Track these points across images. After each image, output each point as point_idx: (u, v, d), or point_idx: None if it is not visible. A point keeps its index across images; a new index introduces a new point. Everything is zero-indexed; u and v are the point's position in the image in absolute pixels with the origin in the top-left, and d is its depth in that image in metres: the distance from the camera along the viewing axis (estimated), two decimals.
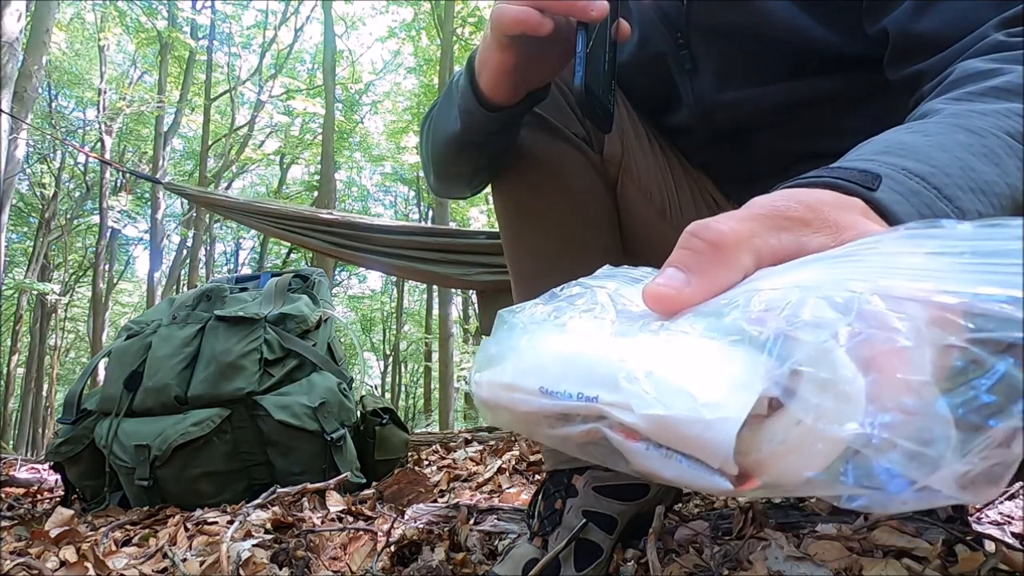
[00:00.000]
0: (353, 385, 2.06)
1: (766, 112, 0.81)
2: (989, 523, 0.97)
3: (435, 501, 1.52)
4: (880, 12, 0.66)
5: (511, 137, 0.81)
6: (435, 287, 10.34)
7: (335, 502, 1.50)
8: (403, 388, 19.06)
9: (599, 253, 0.88)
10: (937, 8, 0.61)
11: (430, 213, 14.14)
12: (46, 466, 2.57)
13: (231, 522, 1.29)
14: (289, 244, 11.08)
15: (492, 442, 2.35)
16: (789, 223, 0.31)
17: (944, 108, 0.49)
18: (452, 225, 10.26)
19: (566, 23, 0.63)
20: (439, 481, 1.81)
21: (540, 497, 0.94)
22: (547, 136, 0.84)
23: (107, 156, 12.24)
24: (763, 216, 0.31)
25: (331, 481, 1.63)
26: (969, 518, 0.94)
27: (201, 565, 1.11)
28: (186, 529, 1.41)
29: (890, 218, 0.34)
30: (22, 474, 2.63)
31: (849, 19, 0.70)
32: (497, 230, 1.21)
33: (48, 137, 12.21)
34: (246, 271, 16.76)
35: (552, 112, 0.84)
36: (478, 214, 13.57)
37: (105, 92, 13.44)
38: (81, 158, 14.28)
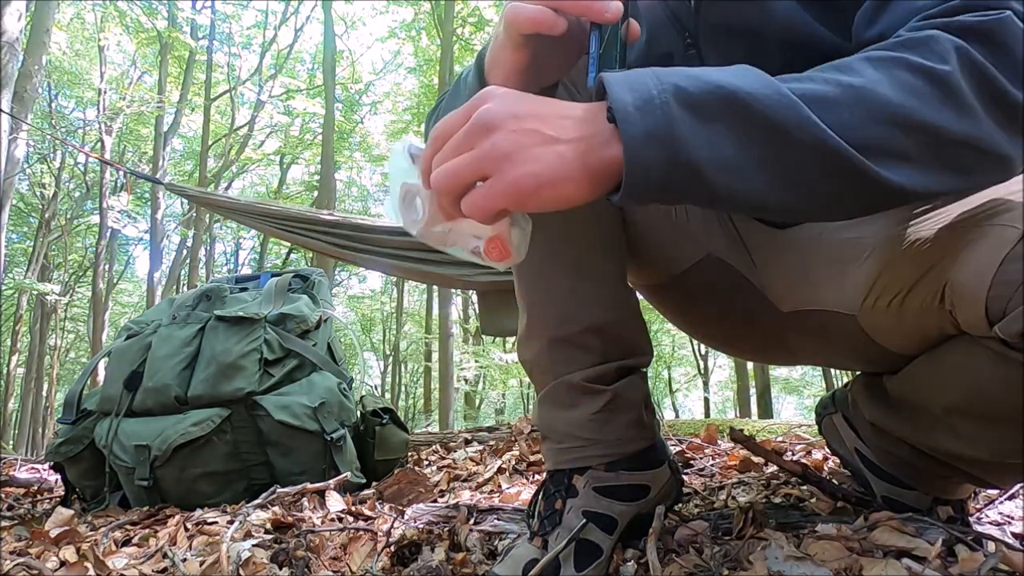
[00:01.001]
0: (353, 385, 2.06)
1: None
2: (989, 523, 0.97)
3: (435, 501, 1.52)
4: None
5: None
6: (435, 287, 10.33)
7: (335, 502, 1.50)
8: (403, 388, 19.05)
9: (603, 251, 0.88)
10: (888, 10, 0.62)
11: None
12: (46, 466, 2.57)
13: (231, 522, 1.29)
14: (289, 244, 11.07)
15: (492, 442, 2.35)
16: None
17: None
18: None
19: (577, 22, 0.63)
20: (439, 481, 1.81)
21: (540, 497, 0.94)
22: None
23: (107, 156, 12.23)
24: None
25: (331, 481, 1.63)
26: (969, 518, 0.94)
27: (201, 565, 1.11)
28: (186, 529, 1.41)
29: (608, 90, 0.51)
30: (22, 474, 2.63)
31: (854, 20, 0.70)
32: None
33: (48, 137, 12.22)
34: (246, 271, 16.75)
35: None
36: None
37: (105, 92, 13.42)
38: (81, 158, 14.29)
